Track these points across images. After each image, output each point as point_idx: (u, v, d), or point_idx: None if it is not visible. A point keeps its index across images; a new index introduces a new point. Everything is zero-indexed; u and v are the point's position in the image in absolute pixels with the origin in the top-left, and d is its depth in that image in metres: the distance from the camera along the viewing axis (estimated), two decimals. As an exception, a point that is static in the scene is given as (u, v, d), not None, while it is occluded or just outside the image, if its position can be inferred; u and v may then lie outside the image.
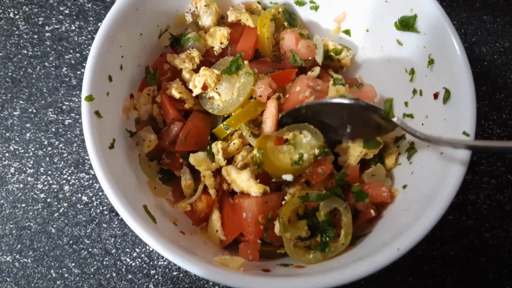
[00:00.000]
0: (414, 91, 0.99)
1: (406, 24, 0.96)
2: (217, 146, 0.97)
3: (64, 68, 1.24)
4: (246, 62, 0.99)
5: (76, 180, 1.14)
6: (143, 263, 1.07)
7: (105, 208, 1.11)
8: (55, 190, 1.13)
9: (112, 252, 1.08)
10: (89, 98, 0.84)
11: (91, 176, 1.14)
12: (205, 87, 0.98)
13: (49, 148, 1.16)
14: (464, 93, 0.84)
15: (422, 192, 0.85)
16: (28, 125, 1.18)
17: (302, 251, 0.87)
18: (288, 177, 0.90)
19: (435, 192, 0.80)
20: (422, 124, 0.96)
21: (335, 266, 0.80)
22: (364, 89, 1.04)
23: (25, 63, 1.24)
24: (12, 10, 1.29)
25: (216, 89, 0.99)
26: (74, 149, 1.16)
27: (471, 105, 0.83)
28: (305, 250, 0.87)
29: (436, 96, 0.91)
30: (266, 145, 0.93)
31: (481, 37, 1.30)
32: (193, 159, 0.96)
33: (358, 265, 0.75)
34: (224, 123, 0.96)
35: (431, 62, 0.93)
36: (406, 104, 1.01)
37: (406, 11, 0.95)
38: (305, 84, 0.97)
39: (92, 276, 1.06)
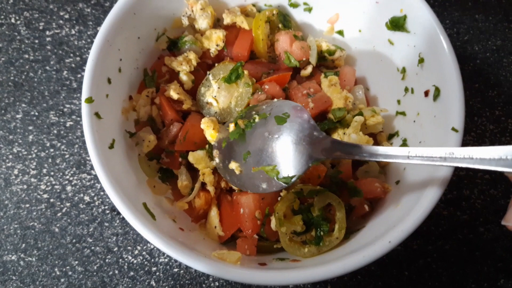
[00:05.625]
0: (406, 89, 1.01)
1: (397, 24, 0.98)
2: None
3: (65, 72, 1.26)
4: (246, 72, 1.00)
5: (78, 181, 1.16)
6: (144, 260, 1.09)
7: (106, 207, 1.14)
8: (58, 190, 1.15)
9: (114, 250, 1.10)
10: (89, 100, 0.86)
11: (92, 176, 1.17)
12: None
13: (51, 150, 1.19)
14: (453, 90, 0.86)
15: (413, 187, 0.87)
16: (30, 127, 1.21)
17: (297, 245, 0.89)
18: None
19: (425, 187, 0.82)
20: (414, 121, 0.98)
21: (329, 259, 0.82)
22: (343, 71, 1.09)
23: (27, 67, 1.26)
24: (13, 15, 1.32)
25: (215, 96, 1.01)
26: (75, 151, 1.19)
27: (459, 102, 0.85)
28: (301, 244, 0.89)
29: (426, 93, 0.93)
30: None
31: (473, 36, 1.31)
32: (192, 157, 0.97)
33: (351, 258, 0.76)
34: None
35: (421, 60, 0.95)
36: (398, 102, 1.04)
37: (396, 11, 0.98)
38: (300, 93, 1.01)
39: (95, 273, 1.08)
